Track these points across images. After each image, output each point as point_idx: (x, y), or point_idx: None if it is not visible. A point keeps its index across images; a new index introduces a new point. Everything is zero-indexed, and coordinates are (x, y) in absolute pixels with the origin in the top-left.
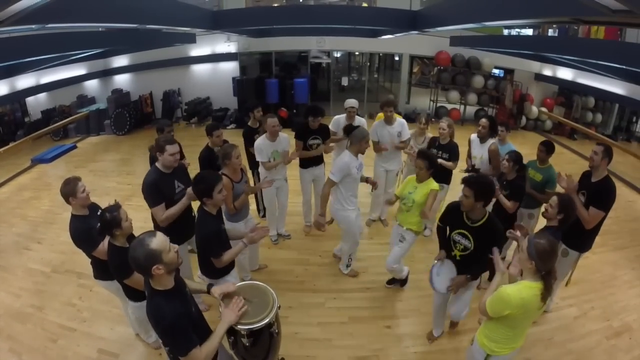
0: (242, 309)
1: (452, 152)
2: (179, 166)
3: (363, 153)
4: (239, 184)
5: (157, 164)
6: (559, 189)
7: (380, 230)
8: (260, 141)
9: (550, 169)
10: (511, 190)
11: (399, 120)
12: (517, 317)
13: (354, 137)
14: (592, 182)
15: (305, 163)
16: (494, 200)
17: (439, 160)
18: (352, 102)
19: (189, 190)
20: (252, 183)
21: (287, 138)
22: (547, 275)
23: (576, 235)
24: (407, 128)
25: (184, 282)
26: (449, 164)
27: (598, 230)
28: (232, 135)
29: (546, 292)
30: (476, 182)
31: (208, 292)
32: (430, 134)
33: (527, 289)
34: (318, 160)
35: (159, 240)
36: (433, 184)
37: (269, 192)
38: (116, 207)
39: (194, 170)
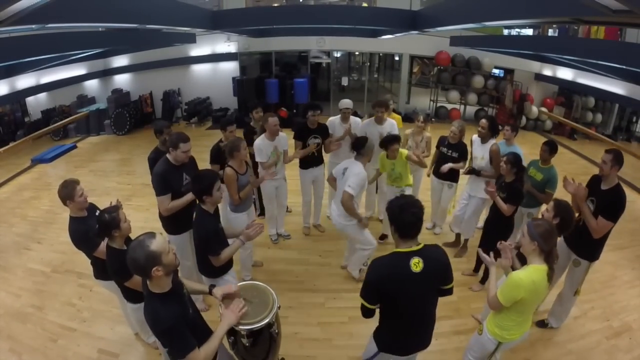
0: (242, 310)
1: (461, 151)
2: (189, 159)
3: (369, 162)
4: (244, 176)
5: (168, 156)
6: (559, 189)
7: (380, 229)
8: (260, 141)
9: (552, 169)
10: (508, 194)
11: (389, 120)
12: (527, 300)
13: (368, 149)
14: (603, 190)
15: (305, 164)
16: (491, 202)
17: (449, 165)
18: (346, 103)
19: None
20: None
21: (285, 137)
22: (549, 256)
23: (586, 244)
24: (397, 128)
25: (182, 284)
26: (459, 164)
27: (606, 238)
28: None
29: (551, 273)
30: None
31: (210, 293)
32: (428, 134)
33: (536, 271)
34: (318, 161)
35: (159, 242)
36: (403, 152)
37: (268, 191)
38: (114, 208)
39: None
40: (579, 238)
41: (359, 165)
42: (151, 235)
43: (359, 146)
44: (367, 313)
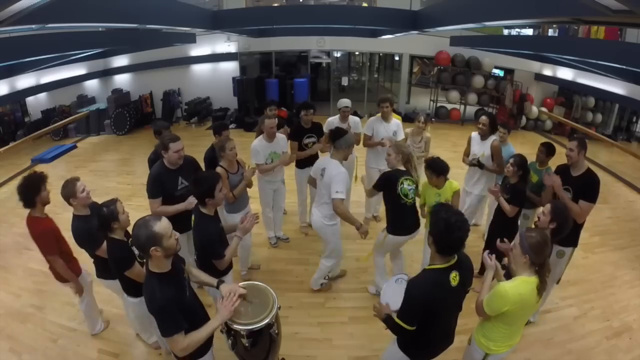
0: (235, 304)
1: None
2: (187, 163)
3: (347, 160)
4: (235, 175)
5: (164, 159)
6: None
7: (379, 230)
8: (257, 142)
9: (548, 170)
10: (512, 195)
11: (396, 121)
12: (515, 313)
13: (344, 142)
14: (574, 177)
15: (301, 163)
16: (495, 203)
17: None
18: (345, 102)
19: (190, 199)
20: None
21: (284, 138)
22: (541, 268)
23: (570, 232)
24: (402, 130)
25: (184, 269)
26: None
27: (584, 222)
28: (233, 135)
29: (542, 286)
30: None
31: (217, 287)
32: (427, 134)
33: (524, 284)
34: (314, 160)
35: (162, 225)
36: (454, 185)
37: (266, 194)
38: (112, 201)
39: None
40: None
41: (336, 164)
42: (158, 217)
43: (335, 137)
44: (401, 332)
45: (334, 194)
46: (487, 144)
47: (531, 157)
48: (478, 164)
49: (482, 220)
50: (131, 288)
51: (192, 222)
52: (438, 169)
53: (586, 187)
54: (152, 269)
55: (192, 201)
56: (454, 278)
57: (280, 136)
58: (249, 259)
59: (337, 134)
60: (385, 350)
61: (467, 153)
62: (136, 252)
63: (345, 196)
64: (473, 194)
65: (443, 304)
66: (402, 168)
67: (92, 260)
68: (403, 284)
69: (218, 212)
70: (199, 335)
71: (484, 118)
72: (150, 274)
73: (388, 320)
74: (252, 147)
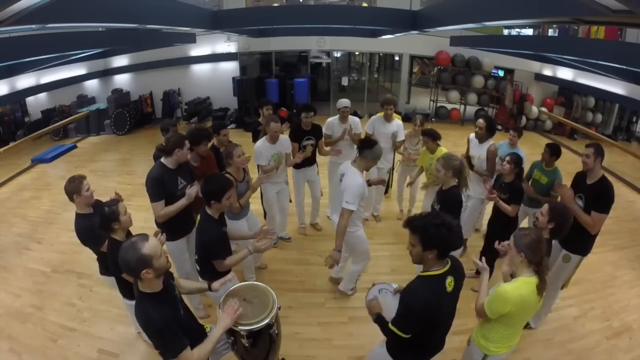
0: (237, 311)
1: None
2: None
3: (368, 170)
4: (242, 184)
5: (163, 160)
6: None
7: (379, 230)
8: (260, 144)
9: (556, 171)
10: (510, 194)
11: (397, 121)
12: (516, 314)
13: (371, 154)
14: (589, 185)
15: (298, 164)
16: (491, 202)
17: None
18: (345, 102)
19: (189, 191)
20: None
21: (287, 140)
22: (539, 267)
23: (577, 239)
24: (403, 130)
25: (174, 285)
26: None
27: (598, 232)
28: (233, 135)
29: (541, 285)
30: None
31: (209, 288)
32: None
33: (524, 284)
34: (310, 161)
35: (151, 245)
36: (443, 151)
37: (270, 195)
38: (114, 201)
39: None
40: (569, 233)
41: (354, 173)
42: (144, 237)
43: (364, 146)
44: (394, 337)
45: (344, 203)
46: (484, 147)
47: (531, 157)
48: (468, 163)
49: (481, 223)
50: (129, 290)
51: (197, 222)
52: (433, 135)
53: (598, 197)
54: (144, 289)
55: (191, 192)
56: (450, 284)
57: (284, 137)
58: (254, 264)
59: (367, 144)
60: (372, 351)
61: (467, 155)
62: None
63: (355, 208)
64: (475, 197)
65: (440, 310)
66: (454, 182)
67: (96, 257)
68: (387, 295)
69: (225, 217)
70: (205, 348)
71: (480, 121)
72: (142, 295)
73: (379, 320)
74: (255, 149)
